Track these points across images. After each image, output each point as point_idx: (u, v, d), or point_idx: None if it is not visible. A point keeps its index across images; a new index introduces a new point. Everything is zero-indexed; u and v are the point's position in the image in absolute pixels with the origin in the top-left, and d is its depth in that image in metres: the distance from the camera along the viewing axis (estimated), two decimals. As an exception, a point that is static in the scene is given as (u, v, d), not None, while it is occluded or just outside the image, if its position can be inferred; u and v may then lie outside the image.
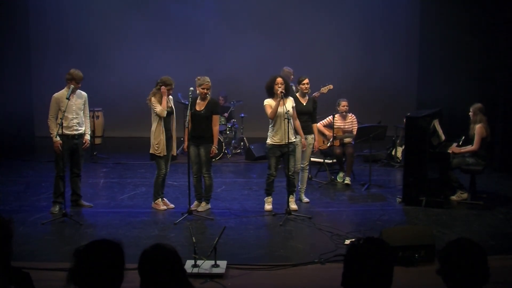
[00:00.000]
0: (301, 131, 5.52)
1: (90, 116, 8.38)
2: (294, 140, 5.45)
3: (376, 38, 10.62)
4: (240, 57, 10.18)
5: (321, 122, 6.95)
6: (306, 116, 5.82)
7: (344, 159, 6.99)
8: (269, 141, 5.47)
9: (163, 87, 5.36)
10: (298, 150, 5.65)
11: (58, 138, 5.23)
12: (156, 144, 5.37)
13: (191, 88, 5.34)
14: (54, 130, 5.26)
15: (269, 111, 5.36)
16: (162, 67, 9.55)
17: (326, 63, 10.25)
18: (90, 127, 8.37)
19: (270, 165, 5.49)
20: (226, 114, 8.92)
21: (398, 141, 8.17)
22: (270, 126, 5.46)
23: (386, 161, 8.19)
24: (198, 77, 5.44)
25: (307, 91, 5.85)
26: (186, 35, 10.49)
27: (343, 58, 10.39)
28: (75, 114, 5.40)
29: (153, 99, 5.36)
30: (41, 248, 4.46)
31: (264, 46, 10.27)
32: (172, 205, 5.67)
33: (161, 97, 5.34)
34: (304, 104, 5.86)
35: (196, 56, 10.28)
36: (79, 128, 5.47)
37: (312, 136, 5.87)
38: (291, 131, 5.36)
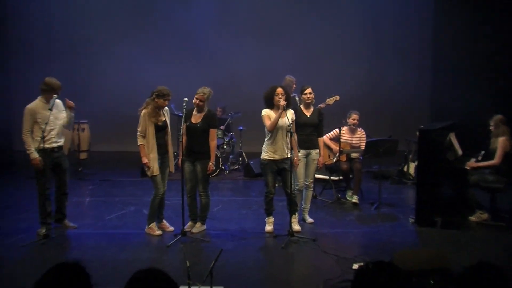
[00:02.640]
0: (295, 147, 5.49)
1: (75, 129, 8.69)
2: (289, 156, 5.39)
3: (386, 44, 10.75)
4: (239, 65, 10.30)
5: (327, 135, 6.99)
6: (311, 129, 5.84)
7: (351, 175, 7.02)
8: (264, 155, 5.46)
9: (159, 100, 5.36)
10: (301, 166, 5.67)
11: (36, 154, 5.18)
12: (145, 164, 5.35)
13: (186, 99, 5.36)
14: (32, 146, 5.19)
15: (267, 122, 5.38)
16: (155, 75, 9.71)
17: (332, 71, 10.37)
18: (75, 140, 8.69)
19: (267, 182, 5.49)
20: (222, 127, 8.98)
21: (410, 156, 8.22)
22: (266, 139, 5.47)
23: (397, 178, 8.23)
24: (198, 89, 5.49)
25: (310, 101, 5.88)
26: (181, 42, 10.62)
27: (351, 66, 10.50)
28: (53, 125, 5.33)
29: (144, 112, 5.37)
30: (19, 273, 4.40)
31: (265, 54, 10.40)
32: (171, 228, 5.62)
33: (154, 109, 5.39)
34: (308, 115, 5.89)
35: (192, 65, 10.41)
36: (58, 140, 5.42)
37: (317, 151, 5.86)
38: (294, 146, 5.39)
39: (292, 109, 5.69)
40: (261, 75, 9.79)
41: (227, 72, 10.28)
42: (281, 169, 5.43)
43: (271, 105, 5.44)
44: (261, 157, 5.52)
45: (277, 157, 5.39)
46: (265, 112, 5.45)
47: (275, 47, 10.52)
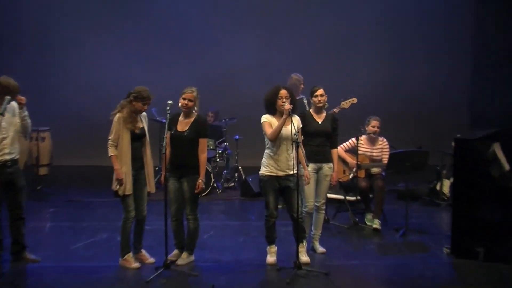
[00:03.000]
0: (303, 160, 5.50)
1: (33, 138, 8.61)
2: (294, 172, 5.37)
3: (412, 39, 10.84)
4: (235, 61, 10.39)
5: (341, 145, 7.02)
6: (322, 139, 5.84)
7: (371, 195, 7.06)
8: (264, 170, 5.48)
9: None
10: (310, 183, 5.66)
11: None
12: (118, 179, 5.34)
13: (170, 102, 5.39)
14: None
15: (268, 130, 5.40)
16: (133, 73, 9.80)
17: (347, 69, 10.48)
18: (33, 152, 8.60)
19: (267, 203, 5.50)
20: (216, 143, 9.00)
21: (444, 171, 8.26)
22: (267, 150, 5.50)
23: (428, 199, 8.27)
24: (184, 89, 5.53)
25: (321, 104, 5.92)
26: (165, 33, 10.70)
27: (370, 62, 10.62)
28: (5, 132, 5.31)
29: (118, 117, 5.37)
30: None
31: (267, 48, 10.51)
32: (152, 259, 5.65)
33: (131, 113, 5.41)
34: (320, 122, 5.91)
35: (178, 61, 10.50)
36: (12, 152, 5.38)
37: (330, 165, 5.87)
38: (302, 159, 5.41)
39: (300, 114, 5.74)
40: (262, 74, 9.90)
41: (220, 70, 10.37)
42: (285, 188, 5.45)
43: (273, 109, 5.48)
44: (260, 172, 5.55)
45: (280, 173, 5.42)
46: (266, 118, 5.49)
47: (279, 40, 10.62)
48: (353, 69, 10.46)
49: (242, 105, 9.68)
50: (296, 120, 5.49)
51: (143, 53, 10.56)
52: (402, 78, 10.64)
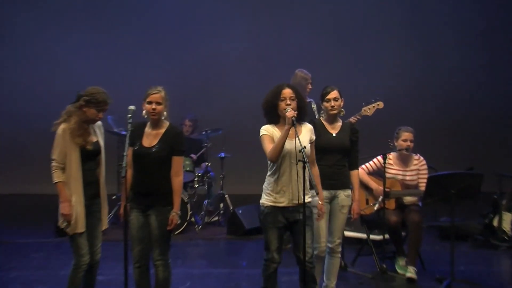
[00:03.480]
0: (319, 184, 5.51)
1: None
2: (310, 199, 5.42)
3: (449, 24, 10.94)
4: (222, 53, 10.50)
5: (363, 166, 7.04)
6: (338, 157, 5.86)
7: (404, 233, 7.04)
8: (265, 200, 5.44)
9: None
10: (323, 219, 5.64)
11: None
12: (65, 214, 5.31)
13: (132, 107, 5.37)
14: None
15: (268, 147, 5.34)
16: (85, 71, 9.80)
17: (369, 62, 10.59)
18: None
19: (268, 243, 5.44)
20: (194, 156, 9.01)
21: (504, 201, 8.25)
22: (269, 174, 5.47)
23: (482, 238, 8.25)
24: (148, 88, 5.51)
25: (335, 111, 5.90)
26: (130, 22, 10.87)
27: (399, 53, 10.70)
28: None
29: (63, 128, 5.35)
30: None
31: (263, 36, 10.54)
32: None
33: (81, 123, 5.40)
34: (334, 134, 5.93)
35: (146, 54, 10.65)
36: None
37: (348, 192, 5.88)
38: (307, 184, 5.35)
39: (309, 122, 5.67)
40: (256, 69, 9.94)
41: (201, 65, 10.47)
42: (293, 223, 5.39)
43: (275, 117, 5.43)
44: (260, 201, 5.50)
45: (285, 202, 5.36)
46: (265, 130, 5.43)
47: (278, 25, 10.70)
48: (377, 62, 10.53)
49: (230, 111, 9.76)
50: (308, 130, 5.48)
51: (100, 44, 10.63)
52: (443, 74, 10.70)
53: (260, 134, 5.42)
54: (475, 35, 10.93)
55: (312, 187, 5.41)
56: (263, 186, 5.49)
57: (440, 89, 10.73)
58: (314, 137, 5.55)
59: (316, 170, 5.55)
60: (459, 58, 10.80)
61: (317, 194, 5.34)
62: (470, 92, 10.75)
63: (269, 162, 5.42)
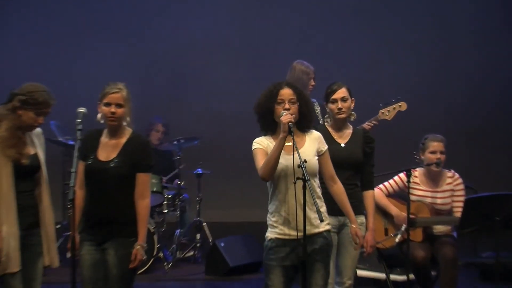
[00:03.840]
0: (346, 204, 5.49)
1: None
2: (324, 228, 5.35)
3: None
4: (199, 39, 10.55)
5: (380, 186, 7.06)
6: (348, 173, 5.84)
7: (434, 272, 7.01)
8: (269, 232, 5.41)
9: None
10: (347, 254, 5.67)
11: None
12: None
13: (82, 110, 5.32)
14: None
15: (260, 162, 5.32)
16: (26, 65, 9.85)
17: (386, 51, 10.67)
18: None
19: (269, 286, 5.41)
20: (164, 178, 9.00)
21: None
22: (271, 196, 5.45)
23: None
24: (106, 86, 5.46)
25: (343, 115, 5.89)
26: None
27: (420, 39, 10.81)
28: None
29: None
30: None
31: (251, 17, 10.60)
32: None
33: (14, 131, 5.34)
34: (342, 144, 5.95)
35: (101, 42, 10.62)
36: None
37: (361, 219, 5.89)
38: (317, 207, 5.09)
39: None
40: (243, 59, 10.03)
41: (173, 57, 10.51)
42: (301, 258, 5.24)
43: (271, 125, 5.39)
44: (266, 234, 5.44)
45: (292, 232, 5.28)
46: (259, 143, 5.37)
47: (273, 4, 10.77)
48: (396, 51, 10.60)
49: (210, 115, 9.76)
50: (314, 139, 5.44)
51: (39, 29, 10.68)
52: (486, 71, 10.80)
53: (252, 148, 5.40)
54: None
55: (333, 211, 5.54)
56: (268, 215, 5.46)
57: (481, 91, 10.75)
58: (324, 146, 5.49)
59: (338, 188, 5.52)
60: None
61: (350, 219, 5.47)
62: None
63: (268, 184, 5.41)
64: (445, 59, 10.84)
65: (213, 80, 10.29)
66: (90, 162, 5.42)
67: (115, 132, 5.47)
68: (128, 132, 5.51)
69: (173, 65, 10.41)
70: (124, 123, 5.48)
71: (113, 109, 5.38)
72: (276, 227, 5.35)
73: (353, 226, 5.50)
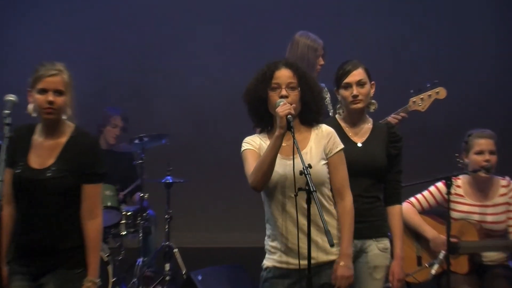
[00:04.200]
0: (345, 230, 5.38)
1: None
2: (330, 258, 5.41)
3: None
4: (172, 6, 10.65)
5: (411, 200, 7.09)
6: (367, 182, 5.84)
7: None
8: (266, 260, 5.51)
9: None
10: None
11: None
12: None
13: (11, 97, 5.21)
14: None
15: (250, 168, 5.35)
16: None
17: (416, 25, 10.60)
18: None
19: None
20: (121, 193, 9.00)
21: None
22: (267, 215, 5.50)
23: None
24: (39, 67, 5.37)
25: (360, 104, 5.83)
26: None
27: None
28: None
29: None
30: None
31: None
32: None
33: None
34: (359, 144, 5.92)
35: (41, 14, 10.64)
36: None
37: (385, 243, 5.86)
38: (325, 227, 5.06)
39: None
40: (232, 37, 9.94)
41: (137, 28, 10.63)
42: None
43: (264, 119, 5.43)
44: (264, 262, 5.56)
45: (293, 261, 5.30)
46: (249, 143, 5.46)
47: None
48: (432, 19, 10.53)
49: (184, 104, 9.75)
50: (322, 137, 5.42)
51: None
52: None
53: (242, 149, 5.43)
54: None
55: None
56: (266, 239, 5.55)
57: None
58: (337, 147, 5.45)
59: (345, 206, 5.42)
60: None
61: (341, 249, 5.38)
62: None
63: (262, 196, 5.45)
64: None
65: (190, 60, 10.28)
66: (19, 170, 5.33)
67: (52, 128, 5.37)
68: (69, 129, 5.40)
69: (136, 38, 10.46)
70: (64, 117, 5.36)
71: (50, 97, 5.27)
72: (274, 253, 5.44)
73: (341, 263, 5.35)
